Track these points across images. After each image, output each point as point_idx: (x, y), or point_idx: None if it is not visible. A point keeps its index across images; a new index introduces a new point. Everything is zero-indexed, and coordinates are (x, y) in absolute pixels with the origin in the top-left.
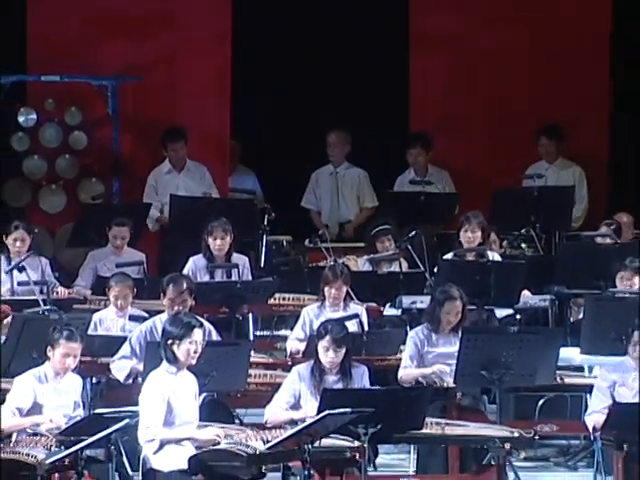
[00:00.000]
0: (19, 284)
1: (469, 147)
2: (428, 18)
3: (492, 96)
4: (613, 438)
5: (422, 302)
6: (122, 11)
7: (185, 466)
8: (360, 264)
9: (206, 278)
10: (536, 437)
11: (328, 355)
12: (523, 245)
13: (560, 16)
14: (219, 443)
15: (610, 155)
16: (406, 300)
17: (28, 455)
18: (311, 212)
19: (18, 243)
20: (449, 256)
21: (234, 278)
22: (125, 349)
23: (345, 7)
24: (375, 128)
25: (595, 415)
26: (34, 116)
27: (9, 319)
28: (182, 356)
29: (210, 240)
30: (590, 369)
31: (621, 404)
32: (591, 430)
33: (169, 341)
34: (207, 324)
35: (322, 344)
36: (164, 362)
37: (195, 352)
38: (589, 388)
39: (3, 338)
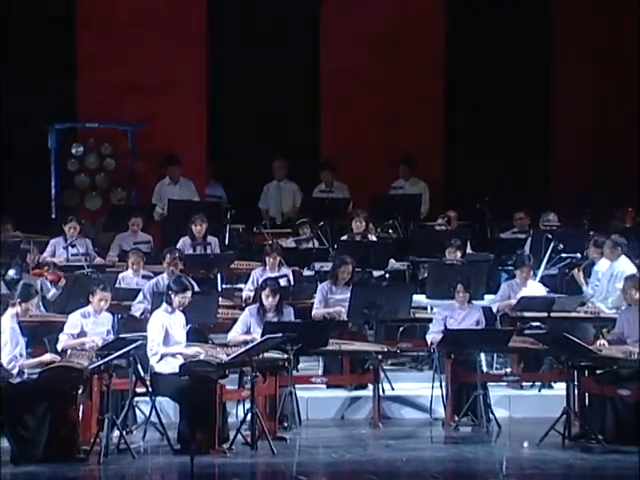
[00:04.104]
0: (72, 255)
1: (358, 170)
2: (334, 84)
3: (372, 138)
4: (445, 351)
5: (327, 267)
6: (136, 81)
7: (177, 370)
8: (288, 243)
9: (190, 251)
10: (398, 351)
11: (268, 300)
12: (390, 231)
13: (409, 83)
14: (200, 355)
15: (444, 175)
16: (317, 265)
17: (77, 363)
18: (261, 210)
19: (72, 230)
20: (344, 238)
21: (209, 252)
22: (140, 297)
23: (287, 79)
24: (296, 157)
25: (432, 335)
26: (82, 149)
27: (64, 280)
28: (175, 303)
29: (193, 227)
30: (431, 308)
31: (450, 330)
32: (429, 344)
33: (170, 292)
34: (192, 281)
35: (265, 293)
36: (164, 304)
37: (183, 304)
38: (431, 320)
39: (57, 292)
